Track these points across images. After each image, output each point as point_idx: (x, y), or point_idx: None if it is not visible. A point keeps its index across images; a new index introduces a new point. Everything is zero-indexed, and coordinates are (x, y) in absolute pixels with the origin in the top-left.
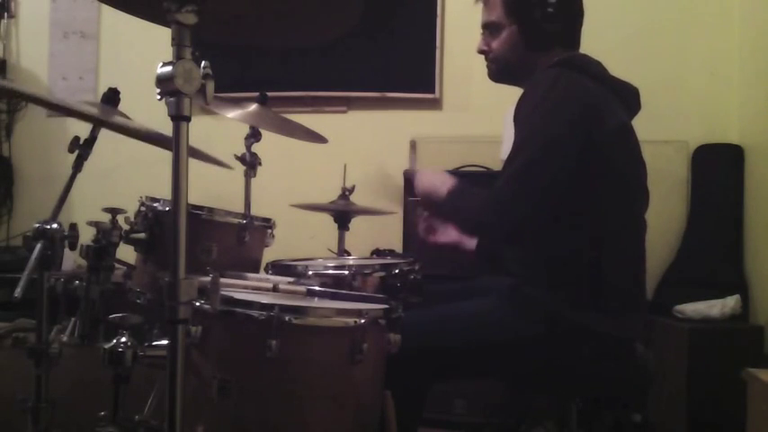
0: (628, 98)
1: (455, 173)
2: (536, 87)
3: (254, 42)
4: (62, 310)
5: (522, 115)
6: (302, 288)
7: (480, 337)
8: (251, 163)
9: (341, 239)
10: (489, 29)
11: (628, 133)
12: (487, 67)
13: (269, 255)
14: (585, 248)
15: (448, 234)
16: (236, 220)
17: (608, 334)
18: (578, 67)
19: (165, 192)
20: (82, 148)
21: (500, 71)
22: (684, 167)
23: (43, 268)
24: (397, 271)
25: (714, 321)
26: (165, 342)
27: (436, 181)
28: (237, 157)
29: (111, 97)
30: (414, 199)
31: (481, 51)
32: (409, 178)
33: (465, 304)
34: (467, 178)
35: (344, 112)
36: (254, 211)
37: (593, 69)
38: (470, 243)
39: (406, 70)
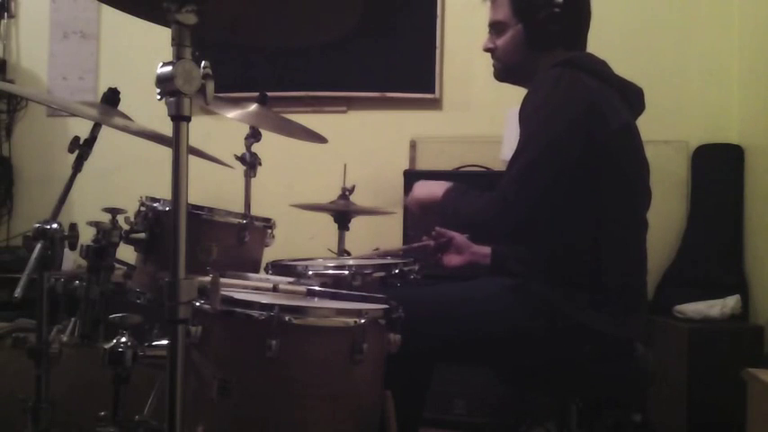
0: (632, 98)
1: (455, 173)
2: (539, 87)
3: (254, 42)
4: (62, 310)
5: (525, 116)
6: (302, 288)
7: (480, 324)
8: (251, 163)
9: (341, 239)
10: (495, 28)
11: (631, 133)
12: (493, 65)
13: (269, 255)
14: (587, 248)
15: (462, 256)
16: (236, 220)
17: (608, 334)
18: (582, 67)
19: (165, 192)
20: (82, 148)
21: (504, 70)
22: (684, 167)
23: (43, 268)
24: (396, 271)
25: (714, 321)
26: (165, 342)
27: (432, 186)
28: (237, 157)
29: (111, 97)
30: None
31: (487, 49)
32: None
33: (467, 287)
34: (464, 178)
35: (344, 112)
36: (254, 211)
37: (597, 69)
38: (485, 259)
39: (406, 70)
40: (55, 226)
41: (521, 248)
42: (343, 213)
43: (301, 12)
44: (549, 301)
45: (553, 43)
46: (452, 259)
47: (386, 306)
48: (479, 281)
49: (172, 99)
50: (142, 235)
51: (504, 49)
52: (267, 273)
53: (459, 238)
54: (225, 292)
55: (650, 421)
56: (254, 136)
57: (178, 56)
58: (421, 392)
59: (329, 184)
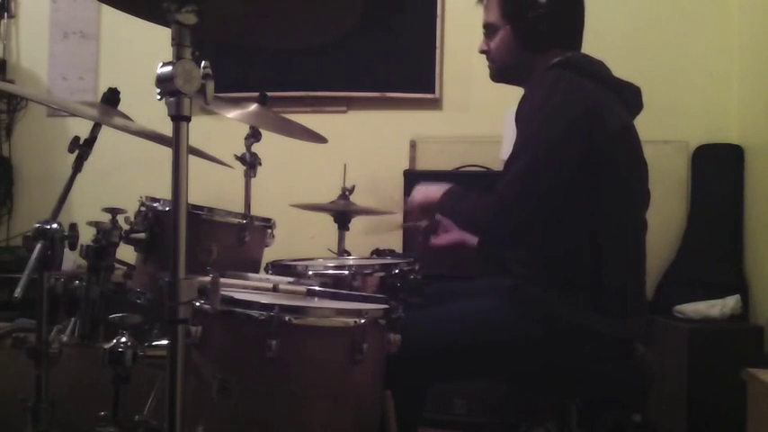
0: (629, 98)
1: (455, 173)
2: (537, 89)
3: (254, 42)
4: (62, 310)
5: (523, 117)
6: (302, 288)
7: (481, 337)
8: (251, 163)
9: (341, 239)
10: (488, 30)
11: (629, 134)
12: (489, 67)
13: (269, 255)
14: (586, 249)
15: (449, 235)
16: (236, 220)
17: (608, 334)
18: (579, 68)
19: (165, 192)
20: (82, 148)
21: (499, 71)
22: (684, 167)
23: (43, 268)
24: (397, 271)
25: (714, 321)
26: (165, 342)
27: (430, 189)
28: (237, 157)
29: (111, 97)
30: (411, 224)
31: (482, 51)
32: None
33: (466, 304)
34: (464, 178)
35: (344, 112)
36: (254, 211)
37: (594, 70)
38: (472, 240)
39: (406, 70)
40: (55, 226)
41: (520, 251)
42: (343, 213)
43: (301, 12)
44: (548, 305)
45: (547, 43)
46: (441, 239)
47: (386, 306)
48: (478, 294)
49: (172, 99)
50: (142, 235)
51: (497, 50)
52: (267, 273)
53: (449, 221)
54: (225, 292)
55: (650, 421)
56: (254, 136)
57: (178, 56)
58: (421, 393)
59: (329, 184)
